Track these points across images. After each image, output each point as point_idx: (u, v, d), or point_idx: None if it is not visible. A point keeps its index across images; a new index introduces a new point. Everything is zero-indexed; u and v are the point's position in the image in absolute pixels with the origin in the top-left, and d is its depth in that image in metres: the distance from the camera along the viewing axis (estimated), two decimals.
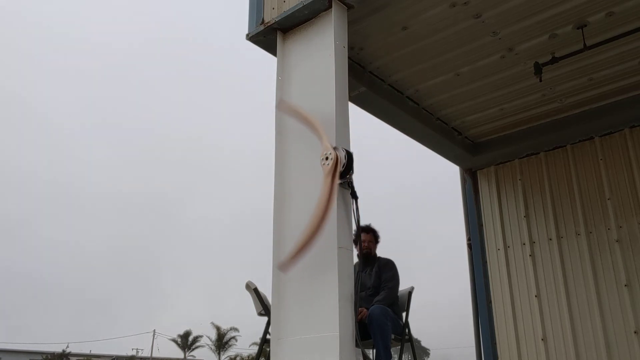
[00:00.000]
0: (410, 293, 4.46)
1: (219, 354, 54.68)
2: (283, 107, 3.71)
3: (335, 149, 3.19)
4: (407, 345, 4.26)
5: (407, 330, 4.31)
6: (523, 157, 5.84)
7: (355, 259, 3.39)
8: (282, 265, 3.23)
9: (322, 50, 3.63)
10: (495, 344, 5.53)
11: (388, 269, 4.43)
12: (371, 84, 4.88)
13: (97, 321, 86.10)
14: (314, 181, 3.28)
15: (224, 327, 54.66)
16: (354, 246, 3.37)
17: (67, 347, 49.88)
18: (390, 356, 3.87)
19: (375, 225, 4.65)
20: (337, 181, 3.15)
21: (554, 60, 4.56)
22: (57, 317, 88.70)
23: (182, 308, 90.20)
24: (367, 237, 4.57)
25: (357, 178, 3.27)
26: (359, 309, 3.86)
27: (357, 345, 3.06)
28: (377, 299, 4.18)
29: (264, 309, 4.20)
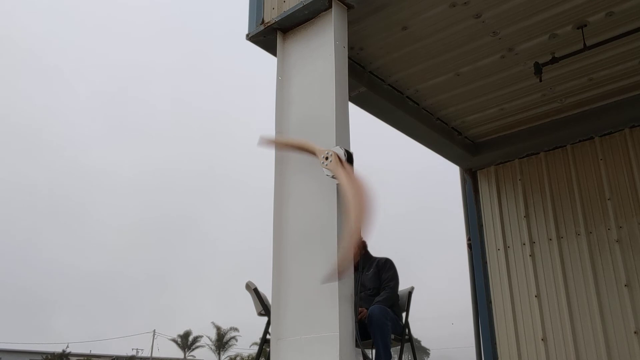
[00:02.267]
0: (410, 293, 4.45)
1: (219, 354, 54.70)
2: (265, 142, 3.66)
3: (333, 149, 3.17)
4: (407, 345, 4.26)
5: (407, 331, 4.31)
6: (523, 157, 5.84)
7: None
8: (332, 276, 2.92)
9: (322, 51, 3.63)
10: (495, 344, 5.52)
11: (387, 269, 4.41)
12: (371, 84, 4.88)
13: (105, 325, 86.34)
14: (314, 181, 3.28)
15: (224, 327, 54.78)
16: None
17: (67, 347, 49.90)
18: (390, 356, 3.87)
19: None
20: (349, 167, 3.14)
21: (554, 60, 4.56)
22: (64, 319, 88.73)
23: (190, 310, 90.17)
24: None
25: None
26: (360, 308, 3.86)
27: (357, 345, 3.06)
28: (378, 299, 4.17)
29: (264, 309, 4.20)
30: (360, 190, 2.86)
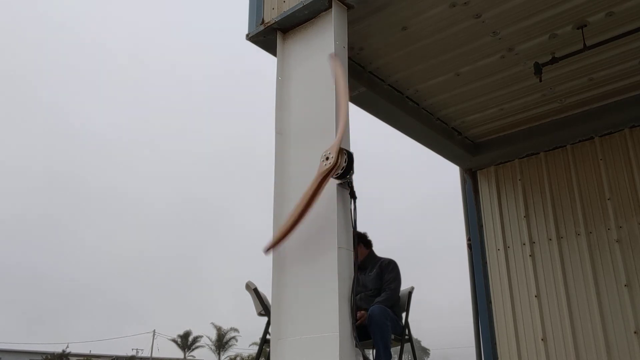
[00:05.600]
0: (410, 293, 4.45)
1: (219, 354, 54.70)
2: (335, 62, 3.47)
3: (340, 151, 3.11)
4: (407, 345, 4.26)
5: (407, 331, 4.31)
6: (523, 157, 5.84)
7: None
8: (264, 250, 3.34)
9: (322, 51, 3.63)
10: (495, 344, 5.52)
11: (390, 270, 4.40)
12: (371, 84, 4.88)
13: (105, 325, 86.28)
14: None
15: (225, 327, 54.81)
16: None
17: (67, 347, 49.88)
18: (390, 356, 3.87)
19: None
20: (327, 184, 3.13)
21: (554, 60, 4.56)
22: (86, 321, 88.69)
23: (190, 311, 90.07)
24: None
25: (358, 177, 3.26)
26: (360, 312, 3.86)
27: (356, 345, 3.05)
28: (378, 300, 4.17)
29: (264, 309, 4.21)
30: (300, 211, 3.13)
